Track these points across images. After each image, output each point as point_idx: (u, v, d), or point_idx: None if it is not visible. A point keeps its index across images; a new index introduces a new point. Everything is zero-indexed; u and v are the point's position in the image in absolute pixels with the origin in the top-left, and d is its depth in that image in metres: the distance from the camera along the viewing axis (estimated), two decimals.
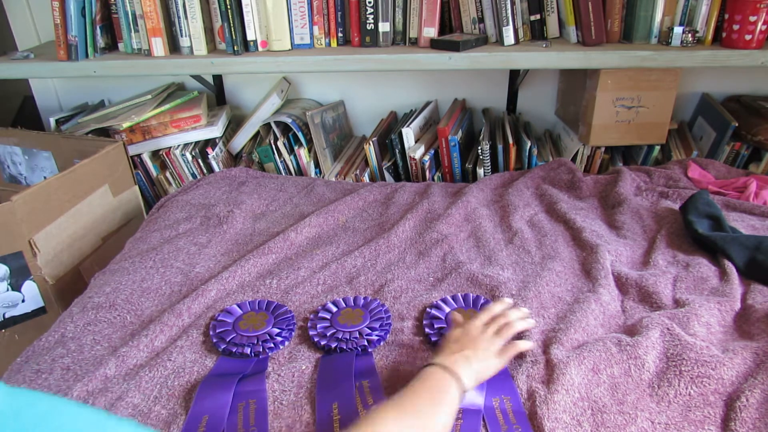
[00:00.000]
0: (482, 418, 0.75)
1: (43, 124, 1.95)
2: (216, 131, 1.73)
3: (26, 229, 1.21)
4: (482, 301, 0.97)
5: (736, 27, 1.38)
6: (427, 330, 0.91)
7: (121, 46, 1.60)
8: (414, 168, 1.62)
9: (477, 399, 0.77)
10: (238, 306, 0.98)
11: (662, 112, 1.52)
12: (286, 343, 0.91)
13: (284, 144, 1.68)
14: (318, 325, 0.92)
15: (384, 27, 1.51)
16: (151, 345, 0.90)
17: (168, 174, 1.74)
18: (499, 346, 0.80)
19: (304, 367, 0.84)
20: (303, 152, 1.69)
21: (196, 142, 1.74)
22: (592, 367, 0.81)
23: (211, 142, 1.74)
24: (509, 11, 1.44)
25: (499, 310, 0.87)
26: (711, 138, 1.59)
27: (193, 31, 1.50)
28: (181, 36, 1.51)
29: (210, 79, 1.82)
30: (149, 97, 1.73)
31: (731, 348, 0.83)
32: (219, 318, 0.95)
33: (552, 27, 1.52)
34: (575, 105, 1.63)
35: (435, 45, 1.49)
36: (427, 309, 0.96)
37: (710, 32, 1.43)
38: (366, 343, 0.88)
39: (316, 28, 1.54)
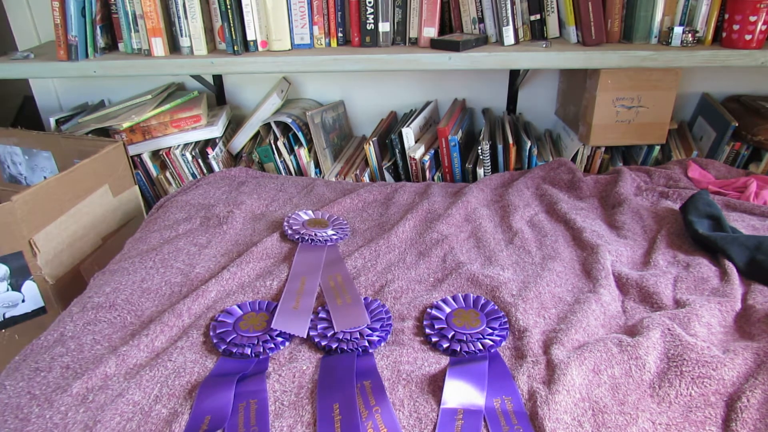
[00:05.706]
0: (483, 418, 0.75)
1: (43, 124, 1.95)
2: (216, 131, 1.73)
3: (26, 229, 1.21)
4: (482, 301, 0.97)
5: (736, 27, 1.38)
6: (427, 330, 0.91)
7: (121, 46, 1.60)
8: (414, 168, 1.62)
9: (478, 399, 0.77)
10: (239, 306, 0.98)
11: (662, 112, 1.52)
12: (287, 343, 0.91)
13: (284, 144, 1.68)
14: (318, 326, 0.92)
15: (384, 27, 1.51)
16: (152, 345, 0.90)
17: (168, 174, 1.74)
18: None
19: (305, 368, 0.84)
20: (303, 152, 1.68)
21: (196, 142, 1.74)
22: (593, 367, 0.81)
23: (211, 142, 1.74)
24: (509, 11, 1.44)
25: None
26: (711, 138, 1.59)
27: (193, 31, 1.50)
28: (181, 36, 1.51)
29: (210, 79, 1.82)
30: (149, 97, 1.73)
31: (732, 348, 0.83)
32: (219, 318, 0.95)
33: (552, 27, 1.52)
34: (575, 105, 1.63)
35: (435, 45, 1.49)
36: (428, 309, 0.96)
37: (710, 32, 1.43)
38: (367, 344, 0.88)
39: (316, 28, 1.54)
